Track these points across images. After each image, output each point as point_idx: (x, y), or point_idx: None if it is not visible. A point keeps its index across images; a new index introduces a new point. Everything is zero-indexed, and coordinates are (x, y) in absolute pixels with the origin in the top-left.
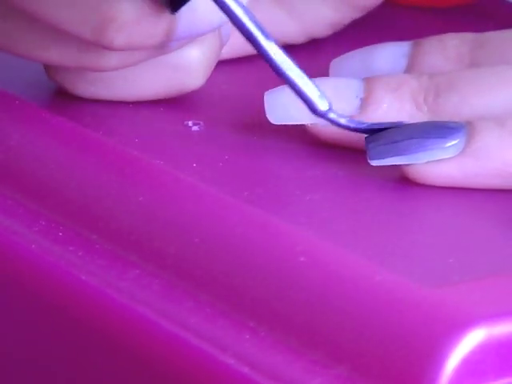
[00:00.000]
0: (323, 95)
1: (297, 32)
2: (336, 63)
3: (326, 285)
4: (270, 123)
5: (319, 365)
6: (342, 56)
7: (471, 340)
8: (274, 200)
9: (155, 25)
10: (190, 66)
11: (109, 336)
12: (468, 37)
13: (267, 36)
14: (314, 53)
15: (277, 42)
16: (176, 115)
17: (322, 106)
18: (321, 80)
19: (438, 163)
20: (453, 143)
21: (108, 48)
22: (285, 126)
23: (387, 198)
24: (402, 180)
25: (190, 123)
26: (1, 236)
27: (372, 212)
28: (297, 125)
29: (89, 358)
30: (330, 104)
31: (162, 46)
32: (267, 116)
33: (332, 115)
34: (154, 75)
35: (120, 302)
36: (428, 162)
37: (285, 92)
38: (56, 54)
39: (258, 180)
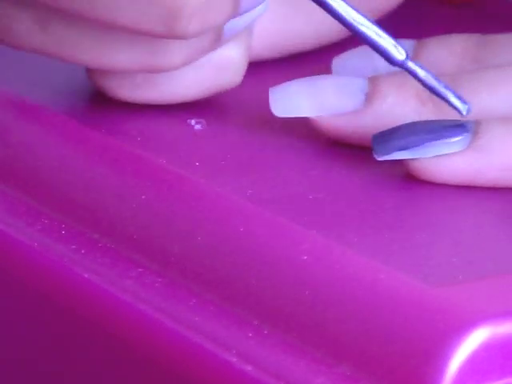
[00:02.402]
0: (400, 44)
1: (310, 38)
2: (338, 61)
3: (330, 283)
4: (273, 122)
5: (322, 363)
6: (344, 53)
7: (475, 339)
8: (277, 198)
9: (222, 1)
10: (232, 65)
11: (112, 334)
12: (473, 36)
13: None
14: (316, 50)
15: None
16: (178, 114)
17: (399, 55)
18: (324, 77)
19: (444, 157)
20: (459, 138)
21: (183, 37)
22: (288, 124)
23: (391, 197)
24: (406, 179)
25: (193, 122)
26: (3, 234)
27: (375, 211)
28: (300, 123)
29: (92, 357)
30: (407, 53)
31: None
32: (271, 109)
33: (410, 64)
34: (197, 75)
35: (123, 301)
36: (434, 157)
37: (289, 85)
38: (123, 59)
39: (260, 178)
